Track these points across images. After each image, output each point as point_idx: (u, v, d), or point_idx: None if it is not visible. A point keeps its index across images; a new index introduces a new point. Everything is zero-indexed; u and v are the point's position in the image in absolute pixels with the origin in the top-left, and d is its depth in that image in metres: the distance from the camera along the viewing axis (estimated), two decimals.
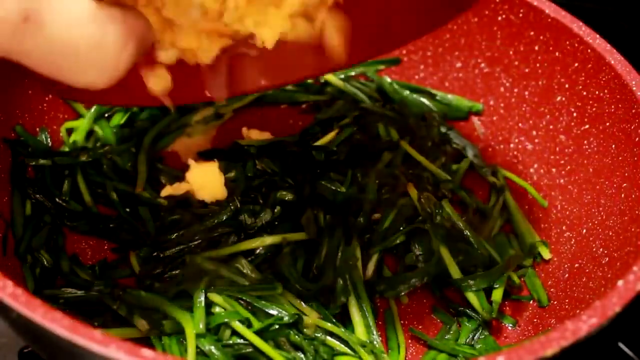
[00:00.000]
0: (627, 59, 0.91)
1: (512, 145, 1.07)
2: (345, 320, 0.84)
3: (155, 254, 0.87)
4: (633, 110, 0.87)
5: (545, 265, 0.95)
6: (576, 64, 0.96)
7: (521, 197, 1.03)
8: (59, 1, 0.56)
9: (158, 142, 1.01)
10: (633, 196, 0.85)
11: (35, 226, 0.89)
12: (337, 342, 0.79)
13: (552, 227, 0.98)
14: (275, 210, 0.90)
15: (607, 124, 0.92)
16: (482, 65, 1.09)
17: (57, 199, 0.91)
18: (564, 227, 0.96)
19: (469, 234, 0.89)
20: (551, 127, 1.01)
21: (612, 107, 0.91)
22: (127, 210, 0.92)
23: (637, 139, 0.86)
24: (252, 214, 0.89)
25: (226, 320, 0.77)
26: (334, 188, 0.94)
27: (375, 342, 0.82)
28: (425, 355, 0.84)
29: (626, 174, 0.87)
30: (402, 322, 0.88)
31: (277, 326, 0.77)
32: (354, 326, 0.83)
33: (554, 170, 1.00)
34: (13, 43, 0.55)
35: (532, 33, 1.01)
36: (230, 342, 0.76)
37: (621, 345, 0.92)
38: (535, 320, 0.89)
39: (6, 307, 0.60)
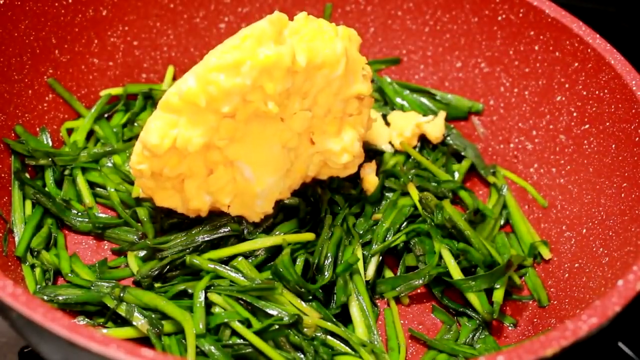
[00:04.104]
0: (627, 59, 0.91)
1: (512, 145, 1.07)
2: (345, 320, 0.84)
3: (154, 254, 0.87)
4: (633, 110, 0.87)
5: (545, 265, 0.95)
6: (576, 64, 0.96)
7: (521, 197, 1.03)
8: None
9: None
10: (633, 196, 0.84)
11: (36, 226, 0.89)
12: (338, 342, 0.79)
13: (552, 227, 0.98)
14: (277, 216, 0.90)
15: (607, 124, 0.92)
16: (482, 65, 1.09)
17: (57, 199, 0.91)
18: (564, 227, 0.96)
19: (469, 234, 0.89)
20: (551, 127, 1.01)
21: (612, 107, 0.91)
22: (127, 211, 0.92)
23: (637, 139, 0.86)
24: (254, 224, 0.88)
25: (226, 320, 0.77)
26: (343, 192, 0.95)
27: (375, 342, 0.82)
28: (425, 355, 0.84)
29: (626, 174, 0.87)
30: (402, 322, 0.88)
31: (277, 326, 0.77)
32: (354, 326, 0.83)
33: (554, 170, 1.00)
34: None
35: (532, 33, 1.01)
36: (230, 342, 0.76)
37: (621, 345, 0.92)
38: (535, 320, 0.89)
39: (6, 307, 0.60)
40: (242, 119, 0.79)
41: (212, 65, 0.75)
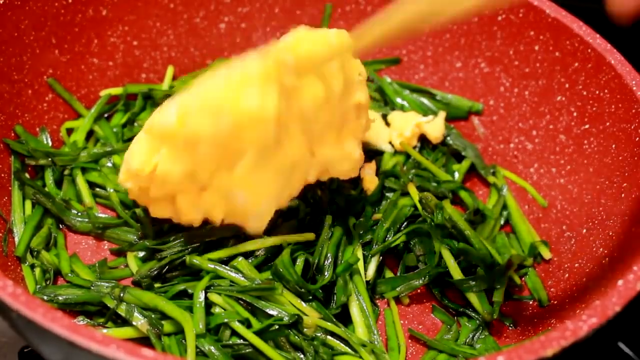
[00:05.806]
0: (627, 59, 0.91)
1: (512, 145, 1.07)
2: (345, 320, 0.84)
3: (154, 255, 0.87)
4: (633, 110, 0.87)
5: (545, 265, 0.95)
6: (576, 64, 0.96)
7: (521, 197, 1.03)
8: None
9: None
10: (633, 196, 0.84)
11: (35, 226, 0.89)
12: (338, 342, 0.79)
13: (552, 227, 0.98)
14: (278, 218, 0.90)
15: (607, 124, 0.92)
16: (482, 65, 1.09)
17: (57, 199, 0.91)
18: (564, 227, 0.96)
19: (469, 234, 0.89)
20: (551, 127, 1.01)
21: (612, 107, 0.91)
22: (127, 211, 0.92)
23: (637, 139, 0.86)
24: None
25: (226, 320, 0.77)
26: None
27: (375, 342, 0.82)
28: (425, 355, 0.84)
29: (626, 174, 0.87)
30: (402, 322, 0.88)
31: (277, 326, 0.77)
32: (354, 326, 0.83)
33: (554, 170, 1.00)
34: None
35: (532, 33, 1.01)
36: (230, 342, 0.76)
37: (621, 345, 0.92)
38: (535, 320, 0.89)
39: (6, 307, 0.60)
40: (231, 149, 0.73)
41: (193, 105, 0.71)
